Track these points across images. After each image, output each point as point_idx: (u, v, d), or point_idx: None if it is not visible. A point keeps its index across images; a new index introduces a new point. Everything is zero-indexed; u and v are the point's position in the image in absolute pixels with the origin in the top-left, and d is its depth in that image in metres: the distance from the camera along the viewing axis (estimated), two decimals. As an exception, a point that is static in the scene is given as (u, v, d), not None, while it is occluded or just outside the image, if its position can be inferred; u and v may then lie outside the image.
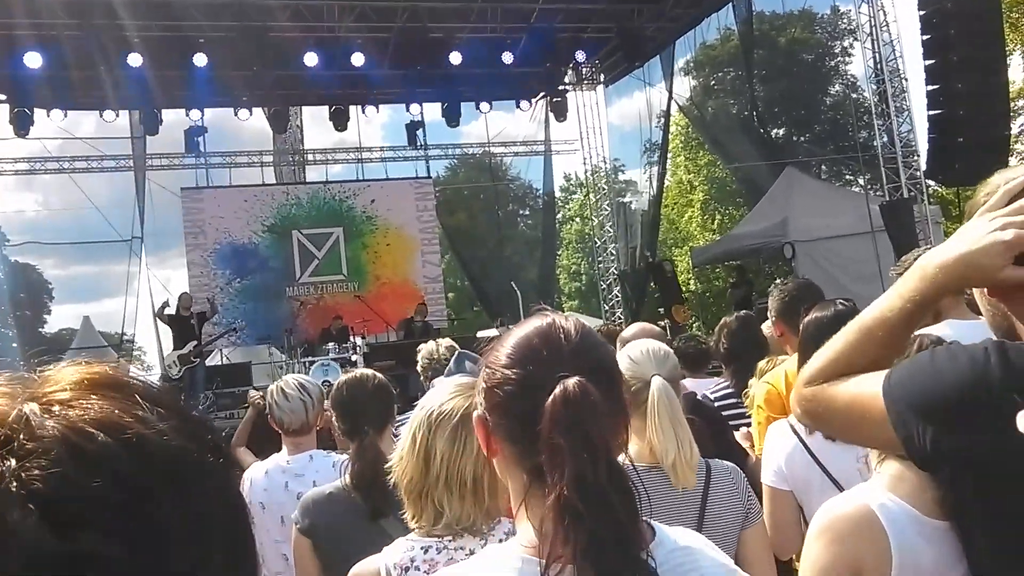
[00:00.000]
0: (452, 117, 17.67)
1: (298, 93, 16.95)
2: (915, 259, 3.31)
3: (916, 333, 1.66)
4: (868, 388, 1.31)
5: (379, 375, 3.04)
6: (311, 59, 14.80)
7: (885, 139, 13.20)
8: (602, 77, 19.32)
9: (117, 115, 16.26)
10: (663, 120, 18.76)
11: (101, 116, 16.07)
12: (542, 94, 18.67)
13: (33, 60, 13.63)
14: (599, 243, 20.41)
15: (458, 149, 23.58)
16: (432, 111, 18.18)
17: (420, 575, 1.80)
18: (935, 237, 12.32)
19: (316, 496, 2.72)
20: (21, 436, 0.58)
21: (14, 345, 24.88)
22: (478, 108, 18.13)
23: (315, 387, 3.46)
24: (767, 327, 3.94)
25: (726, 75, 29.26)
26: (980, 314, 1.49)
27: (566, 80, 19.03)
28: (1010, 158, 15.32)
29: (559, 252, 32.56)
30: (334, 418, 2.97)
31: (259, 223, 17.12)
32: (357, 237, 17.69)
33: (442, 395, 1.91)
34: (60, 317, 39.67)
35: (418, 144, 19.05)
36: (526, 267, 28.00)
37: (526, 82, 17.78)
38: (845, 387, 1.36)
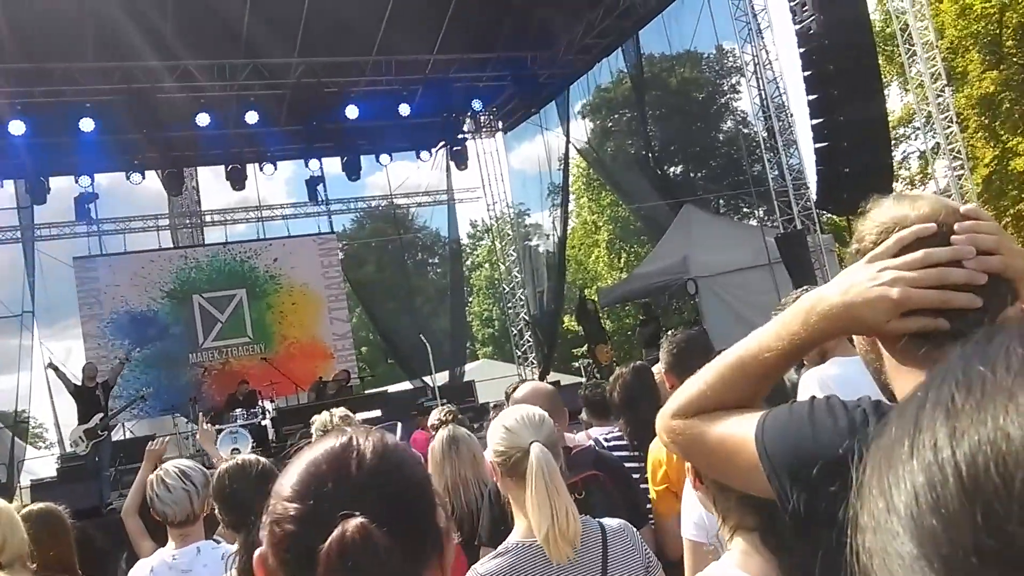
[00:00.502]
0: (353, 170, 17.57)
1: (192, 154, 16.66)
2: (793, 301, 3.37)
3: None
4: (740, 430, 1.26)
5: (263, 460, 2.89)
6: (203, 119, 14.56)
7: (776, 172, 13.59)
8: (500, 124, 19.52)
9: (1, 185, 15.68)
10: (563, 163, 19.00)
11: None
12: (442, 143, 18.73)
13: (-94, 132, 13.08)
14: (508, 288, 20.44)
15: (361, 202, 23.39)
16: (332, 165, 18.11)
17: None
18: (830, 265, 12.68)
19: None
20: None
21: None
22: (378, 160, 18.05)
23: (198, 472, 3.28)
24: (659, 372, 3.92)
25: (622, 117, 29.86)
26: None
27: (465, 128, 19.14)
28: (894, 184, 15.97)
29: (470, 299, 32.55)
30: (217, 510, 2.81)
31: (157, 289, 16.65)
32: (261, 297, 17.34)
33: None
34: (-49, 398, 37.72)
35: (319, 199, 18.83)
36: (438, 316, 27.82)
37: (425, 132, 17.83)
38: (716, 424, 1.31)
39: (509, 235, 20.48)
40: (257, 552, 1.10)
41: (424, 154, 18.69)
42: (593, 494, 2.97)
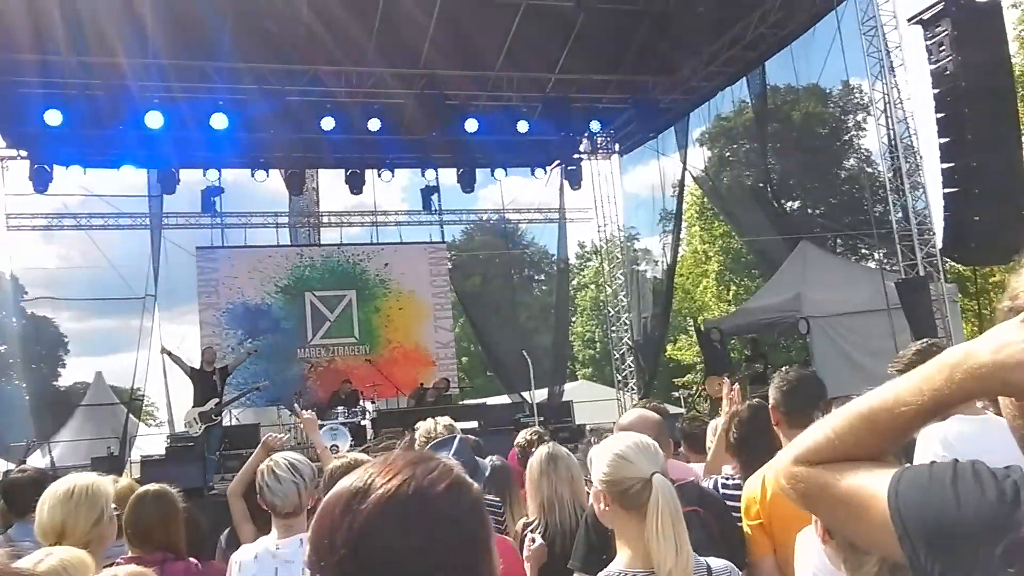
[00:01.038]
0: (467, 183, 17.82)
1: (315, 156, 17.10)
2: (914, 354, 3.22)
3: None
4: (870, 486, 1.20)
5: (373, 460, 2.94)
6: (328, 123, 14.96)
7: (900, 215, 13.14)
8: (617, 146, 19.45)
9: (137, 173, 16.50)
10: (678, 190, 18.81)
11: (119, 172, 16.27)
12: (557, 162, 18.80)
13: (53, 118, 13.83)
14: (613, 312, 20.32)
15: (473, 215, 23.66)
16: (448, 176, 18.36)
17: None
18: (951, 315, 12.18)
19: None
20: None
21: (26, 398, 24.88)
22: (493, 175, 18.25)
23: (306, 467, 3.37)
24: None
25: (740, 147, 29.41)
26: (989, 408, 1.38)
27: (581, 149, 19.16)
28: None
29: (573, 319, 32.47)
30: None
31: (272, 283, 17.18)
32: (370, 300, 17.70)
33: None
34: (74, 370, 39.76)
35: (433, 209, 19.14)
36: (540, 333, 27.86)
37: (541, 150, 17.91)
38: (844, 476, 1.25)
39: (618, 258, 20.37)
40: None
41: (539, 171, 18.78)
42: (694, 530, 2.91)
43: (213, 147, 15.58)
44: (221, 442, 12.71)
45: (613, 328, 20.26)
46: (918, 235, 12.66)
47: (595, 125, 17.44)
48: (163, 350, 13.43)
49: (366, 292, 17.74)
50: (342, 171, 17.44)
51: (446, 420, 4.07)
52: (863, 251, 29.33)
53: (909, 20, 12.12)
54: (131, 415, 17.43)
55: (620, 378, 19.44)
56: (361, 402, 13.47)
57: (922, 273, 12.54)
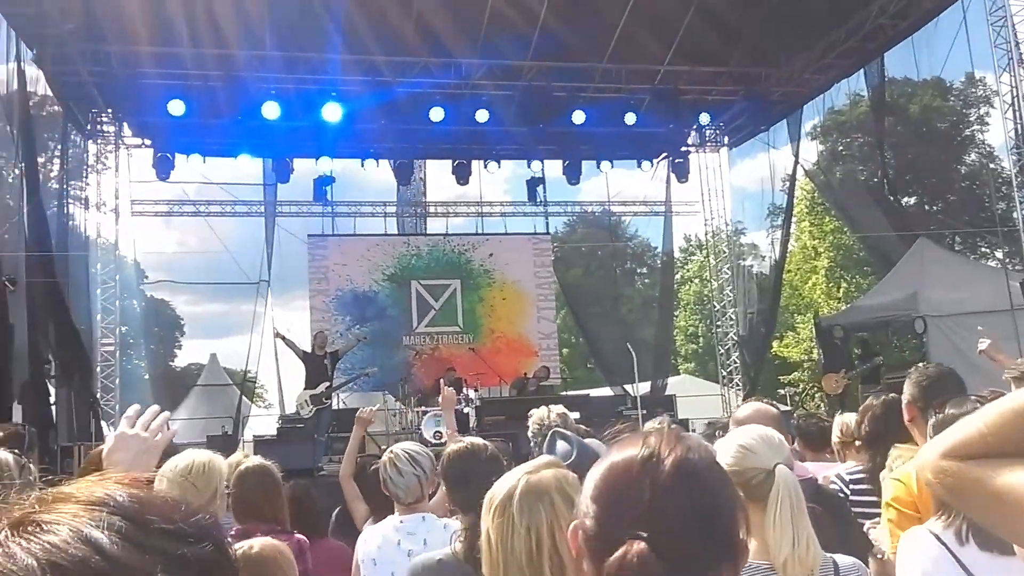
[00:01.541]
0: (573, 174, 17.79)
1: (423, 146, 17.34)
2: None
3: None
4: None
5: (490, 445, 2.99)
6: (437, 114, 15.15)
7: (1026, 212, 12.56)
8: (726, 139, 19.13)
9: (253, 162, 17.06)
10: (788, 184, 18.39)
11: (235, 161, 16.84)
12: (664, 155, 18.58)
13: (176, 108, 14.40)
14: (718, 307, 20.02)
15: (577, 206, 23.63)
16: (553, 168, 18.37)
17: None
18: (1081, 317, 11.57)
19: (426, 562, 2.68)
20: None
21: (146, 377, 26.06)
22: (599, 167, 18.18)
23: (425, 457, 3.46)
24: None
25: (854, 141, 28.53)
26: None
27: (689, 141, 18.91)
28: None
29: (676, 313, 32.09)
30: (445, 489, 2.93)
31: (380, 272, 17.53)
32: (474, 290, 17.90)
33: (507, 477, 1.87)
34: (189, 352, 41.49)
35: (538, 200, 19.20)
36: (642, 326, 27.72)
37: (648, 142, 17.73)
38: (1000, 473, 1.21)
39: (724, 252, 20.04)
40: (574, 523, 1.18)
41: (645, 164, 18.60)
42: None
43: (325, 137, 15.93)
44: (330, 424, 13.02)
45: (718, 323, 19.96)
46: (1045, 233, 12.08)
47: (704, 118, 17.15)
48: (276, 333, 13.83)
49: (470, 281, 17.94)
50: (449, 162, 17.65)
51: (559, 408, 4.10)
52: (983, 249, 28.15)
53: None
54: (244, 396, 18.08)
55: (725, 374, 19.16)
56: (465, 390, 13.61)
57: (1050, 273, 11.96)
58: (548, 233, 20.00)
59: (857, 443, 4.08)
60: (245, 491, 3.66)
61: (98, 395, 15.29)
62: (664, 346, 20.54)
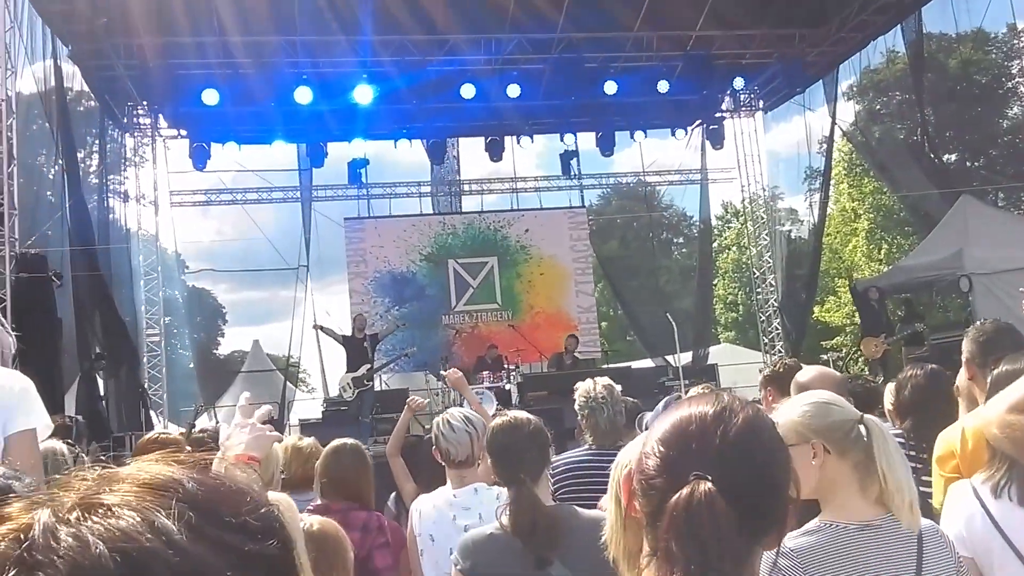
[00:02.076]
0: (607, 146, 17.67)
1: (455, 124, 17.32)
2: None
3: None
4: None
5: (534, 419, 2.98)
6: (468, 91, 15.10)
7: (1074, 164, 12.26)
8: (761, 103, 18.87)
9: (287, 148, 17.17)
10: (826, 146, 18.12)
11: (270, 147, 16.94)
12: (698, 122, 18.40)
13: (210, 97, 14.49)
14: (757, 273, 19.84)
15: (611, 178, 23.49)
16: (586, 140, 18.26)
17: None
18: None
19: (476, 537, 2.70)
20: (31, 550, 0.60)
21: (191, 366, 26.47)
22: (632, 137, 18.04)
23: (479, 420, 3.50)
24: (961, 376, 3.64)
25: (891, 99, 28.00)
26: None
27: (723, 107, 18.69)
28: None
29: (715, 282, 31.89)
30: (489, 462, 2.94)
31: (417, 252, 17.59)
32: (511, 266, 17.89)
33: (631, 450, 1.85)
34: (232, 339, 42.08)
35: (572, 174, 19.10)
36: (680, 296, 27.60)
37: (682, 110, 17.55)
38: None
39: (762, 218, 19.83)
40: (626, 471, 1.26)
41: (679, 132, 18.42)
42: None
43: (358, 119, 15.96)
44: (373, 406, 13.14)
45: (759, 290, 19.79)
46: (1095, 185, 11.79)
47: (739, 82, 16.92)
48: (315, 326, 13.97)
49: (507, 258, 17.93)
50: (482, 139, 17.61)
51: (605, 380, 4.10)
52: (1029, 205, 27.57)
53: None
54: (288, 381, 18.29)
55: (766, 340, 19.03)
56: (506, 366, 13.66)
57: (1100, 226, 11.68)
58: (583, 206, 19.90)
59: (893, 409, 4.03)
60: (337, 467, 3.74)
61: (145, 385, 15.55)
62: (704, 315, 20.42)
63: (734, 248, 35.84)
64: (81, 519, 0.62)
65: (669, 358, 15.64)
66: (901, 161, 17.97)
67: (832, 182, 23.37)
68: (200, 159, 16.24)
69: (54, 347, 10.81)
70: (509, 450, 2.83)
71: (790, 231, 22.29)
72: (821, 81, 16.95)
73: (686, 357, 16.54)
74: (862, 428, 2.06)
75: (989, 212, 16.08)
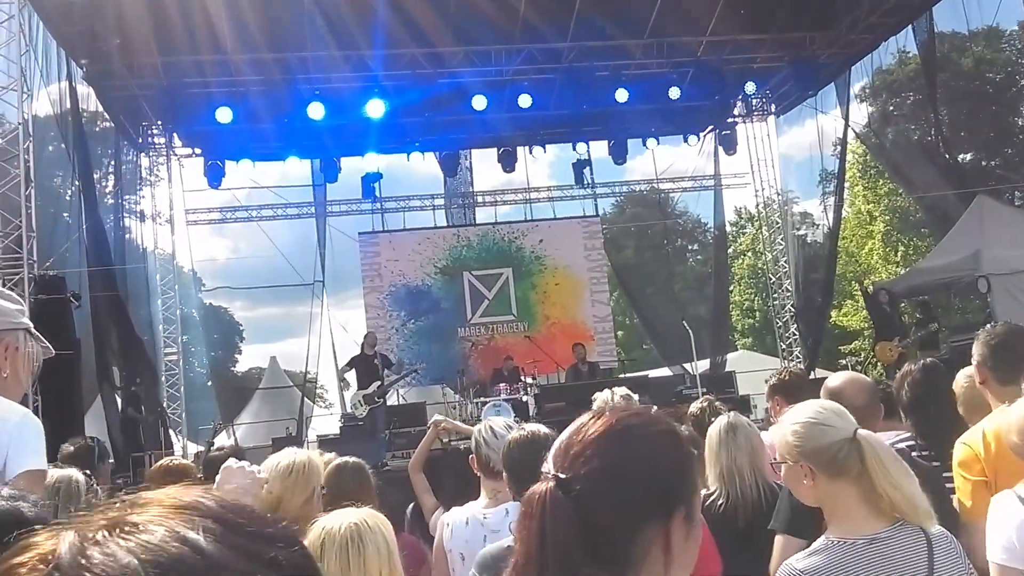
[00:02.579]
0: (619, 154, 17.66)
1: (468, 136, 17.34)
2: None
3: None
4: None
5: (551, 433, 2.96)
6: (480, 102, 15.11)
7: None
8: (773, 107, 18.81)
9: (301, 164, 17.25)
10: (839, 148, 18.04)
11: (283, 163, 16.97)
12: (710, 128, 18.37)
13: (224, 115, 14.56)
14: (773, 279, 19.74)
15: (624, 186, 23.45)
16: (599, 149, 18.25)
17: None
18: None
19: (494, 551, 2.68)
20: (59, 568, 0.61)
21: (209, 384, 26.57)
22: (644, 144, 18.02)
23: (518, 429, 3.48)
24: (965, 374, 3.59)
25: (904, 100, 27.88)
26: None
27: (735, 112, 18.64)
28: None
29: (731, 288, 31.77)
30: (504, 475, 2.91)
31: (432, 265, 17.60)
32: (526, 277, 17.87)
33: None
34: (249, 356, 42.17)
35: (585, 183, 19.09)
36: (696, 303, 27.48)
37: (693, 116, 17.52)
38: None
39: (777, 223, 19.74)
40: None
41: (692, 138, 18.39)
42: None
43: (370, 134, 16.01)
44: (389, 421, 13.13)
45: (775, 295, 19.69)
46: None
47: (750, 87, 16.85)
48: (339, 376, 14.09)
49: (522, 269, 17.91)
50: (494, 150, 17.63)
51: (623, 390, 4.07)
52: (1046, 203, 27.33)
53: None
54: (305, 397, 18.30)
55: (784, 346, 18.91)
56: (523, 378, 13.62)
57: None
58: (597, 215, 19.89)
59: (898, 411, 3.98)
60: (340, 484, 3.73)
61: (164, 404, 15.59)
62: (721, 322, 20.33)
63: (749, 253, 35.69)
64: (108, 537, 0.64)
65: (687, 366, 15.57)
66: (916, 162, 17.87)
67: (847, 185, 23.27)
68: (215, 177, 16.32)
69: (73, 368, 10.85)
70: (525, 465, 2.81)
71: (805, 235, 22.22)
72: (833, 84, 16.87)
73: (704, 365, 16.47)
74: (857, 445, 2.03)
75: (1006, 211, 15.94)
